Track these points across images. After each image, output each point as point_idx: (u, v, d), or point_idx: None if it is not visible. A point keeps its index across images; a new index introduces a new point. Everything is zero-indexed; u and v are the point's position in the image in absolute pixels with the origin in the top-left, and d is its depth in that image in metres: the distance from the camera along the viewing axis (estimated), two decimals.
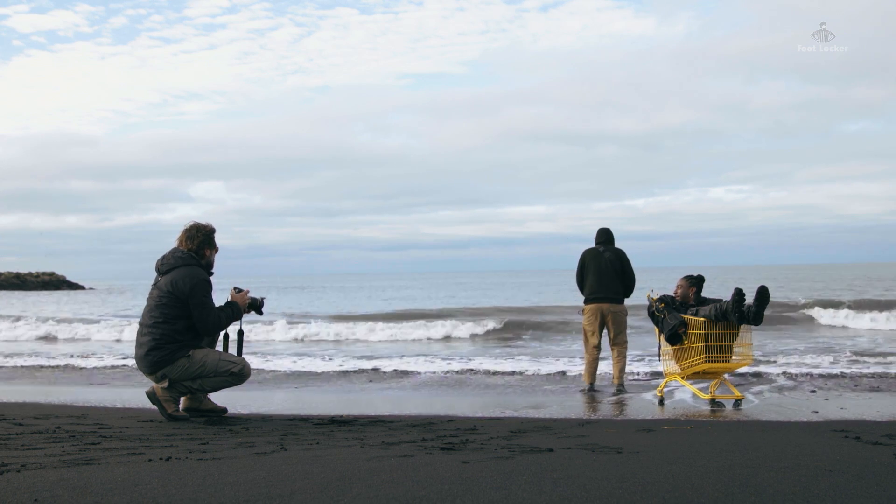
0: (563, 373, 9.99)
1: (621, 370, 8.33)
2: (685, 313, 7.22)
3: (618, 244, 8.73)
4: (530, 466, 3.89)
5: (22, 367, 11.84)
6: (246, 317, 6.50)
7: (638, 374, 9.74)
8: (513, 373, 10.15)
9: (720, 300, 7.17)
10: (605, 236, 8.69)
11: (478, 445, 4.61)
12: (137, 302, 37.02)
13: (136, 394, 7.98)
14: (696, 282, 7.57)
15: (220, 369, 5.91)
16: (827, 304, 20.86)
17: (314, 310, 28.01)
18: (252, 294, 6.25)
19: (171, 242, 6.14)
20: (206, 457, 4.20)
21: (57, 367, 11.77)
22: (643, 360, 11.06)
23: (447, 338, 16.38)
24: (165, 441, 4.81)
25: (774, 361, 10.70)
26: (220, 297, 6.01)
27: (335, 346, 15.51)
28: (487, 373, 10.23)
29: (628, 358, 10.09)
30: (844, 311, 18.90)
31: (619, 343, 8.40)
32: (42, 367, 11.80)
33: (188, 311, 5.82)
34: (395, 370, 10.69)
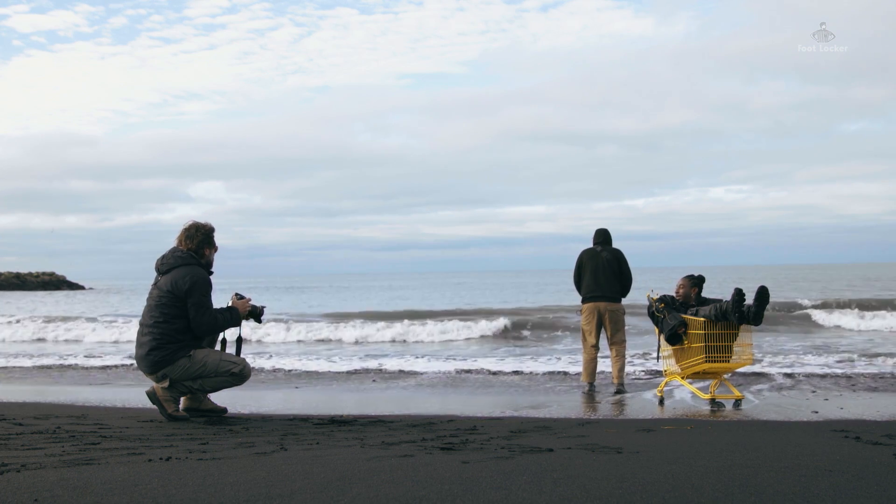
0: (563, 373, 9.99)
1: (620, 370, 8.33)
2: (685, 313, 7.23)
3: (617, 244, 8.75)
4: (530, 466, 3.89)
5: (22, 367, 11.84)
6: (246, 325, 6.51)
7: (638, 373, 9.75)
8: (513, 373, 10.15)
9: (720, 300, 7.17)
10: (602, 237, 8.70)
11: (478, 445, 4.61)
12: (137, 302, 37.02)
13: (136, 394, 7.98)
14: (697, 282, 7.57)
15: (221, 369, 5.92)
16: (827, 305, 20.85)
17: (314, 310, 28.02)
18: (253, 302, 6.25)
19: (170, 242, 6.16)
20: (206, 457, 4.20)
21: (57, 366, 11.77)
22: (643, 359, 11.06)
23: (447, 338, 16.37)
24: (165, 441, 4.81)
25: (774, 361, 10.71)
26: (219, 297, 6.02)
27: (337, 345, 15.51)
28: (487, 373, 10.23)
29: (627, 357, 10.10)
30: (844, 311, 18.89)
31: (617, 342, 8.40)
32: (42, 367, 11.80)
33: (188, 310, 5.83)
34: (398, 370, 10.69)
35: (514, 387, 8.93)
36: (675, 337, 7.19)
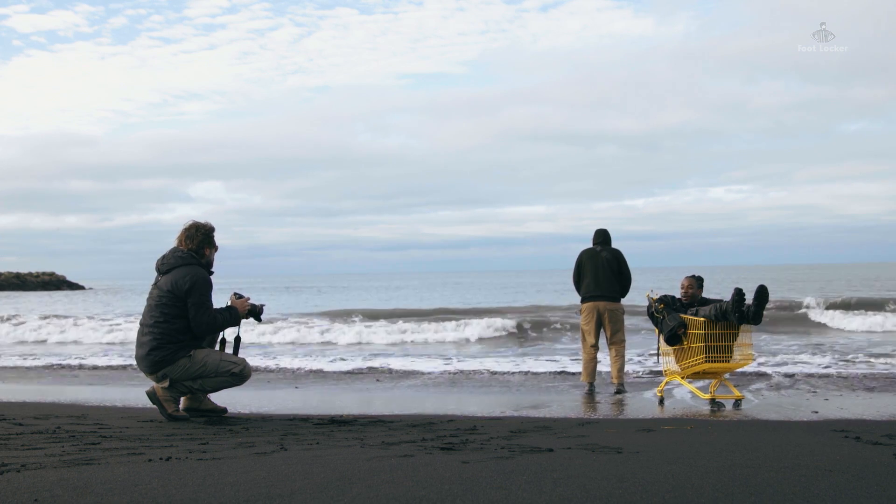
0: (564, 372, 9.99)
1: (620, 369, 8.33)
2: (685, 313, 7.23)
3: (617, 244, 8.76)
4: (530, 466, 3.89)
5: (22, 367, 11.84)
6: (245, 324, 6.51)
7: (638, 373, 9.75)
8: (513, 372, 10.15)
9: (721, 300, 7.18)
10: (602, 237, 8.71)
11: (478, 445, 4.61)
12: (137, 302, 37.03)
13: (136, 394, 7.98)
14: (701, 282, 7.62)
15: (221, 369, 5.92)
16: (827, 305, 20.85)
17: (314, 309, 28.00)
18: (252, 301, 6.25)
19: (170, 242, 6.16)
20: (206, 457, 4.20)
21: (57, 366, 11.77)
22: (643, 358, 11.06)
23: (447, 337, 16.36)
24: (165, 441, 4.82)
25: (774, 361, 10.71)
26: (219, 297, 6.02)
27: (335, 345, 15.51)
28: (487, 372, 10.23)
29: (627, 357, 10.10)
30: (844, 311, 18.89)
31: (616, 342, 8.41)
32: (42, 366, 11.81)
33: (188, 310, 5.83)
34: (398, 370, 10.69)
35: (514, 387, 8.93)
36: (674, 338, 7.19)
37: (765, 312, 6.89)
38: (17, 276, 68.05)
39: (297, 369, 10.93)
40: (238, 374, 5.99)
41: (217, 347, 6.17)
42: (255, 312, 6.23)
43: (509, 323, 17.49)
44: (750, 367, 9.26)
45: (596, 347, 8.48)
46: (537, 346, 14.55)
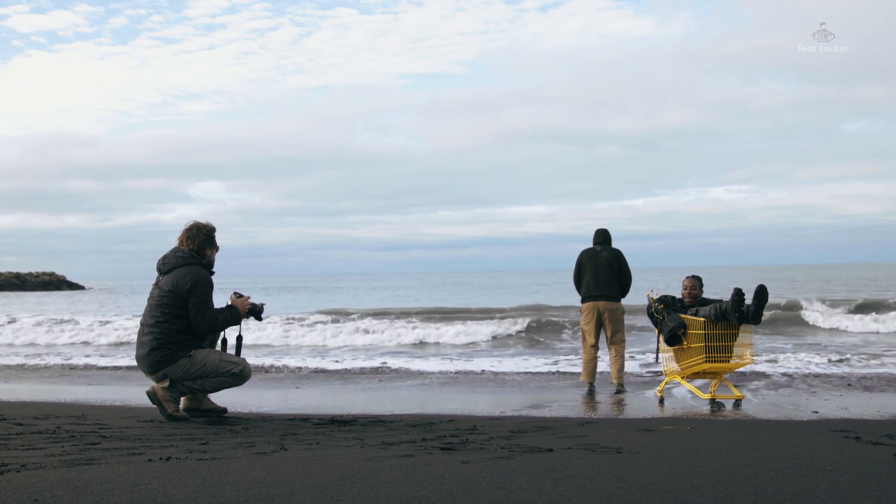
0: (564, 372, 9.99)
1: (620, 369, 8.34)
2: (685, 313, 7.23)
3: (617, 244, 8.76)
4: (530, 466, 3.89)
5: (22, 366, 11.84)
6: (245, 323, 6.51)
7: (638, 373, 9.75)
8: (513, 372, 10.15)
9: (721, 301, 7.18)
10: (602, 237, 8.71)
11: (478, 445, 4.61)
12: (137, 302, 37.02)
13: (136, 394, 7.98)
14: (701, 282, 7.63)
15: (222, 369, 5.92)
16: (827, 305, 20.85)
17: (314, 308, 28.00)
18: (252, 300, 6.26)
19: (171, 242, 6.16)
20: (206, 457, 4.20)
21: (57, 366, 11.77)
22: (642, 358, 11.06)
23: (447, 337, 16.36)
24: (165, 441, 4.82)
25: (774, 361, 10.71)
26: (219, 297, 6.02)
27: (335, 345, 15.51)
28: (487, 372, 10.23)
29: (627, 357, 10.10)
30: (844, 312, 18.88)
31: (616, 342, 8.41)
32: (42, 366, 11.81)
33: (188, 309, 5.83)
34: (398, 369, 10.70)
35: (514, 386, 8.93)
36: (674, 338, 7.19)
37: (764, 312, 6.89)
38: (17, 276, 68.02)
39: (297, 369, 10.93)
40: (238, 375, 5.99)
41: (218, 347, 6.18)
42: (256, 311, 6.24)
43: (509, 323, 17.49)
44: (749, 367, 9.26)
45: (596, 347, 8.48)
46: (537, 346, 14.55)
